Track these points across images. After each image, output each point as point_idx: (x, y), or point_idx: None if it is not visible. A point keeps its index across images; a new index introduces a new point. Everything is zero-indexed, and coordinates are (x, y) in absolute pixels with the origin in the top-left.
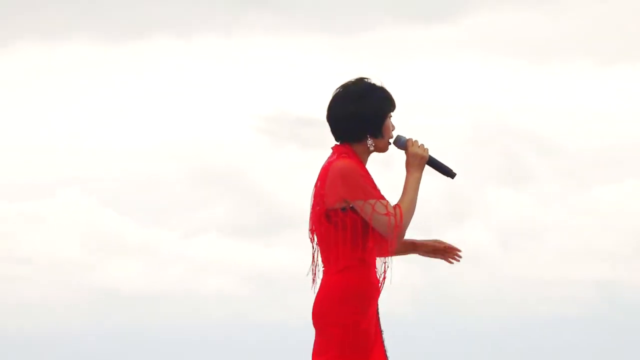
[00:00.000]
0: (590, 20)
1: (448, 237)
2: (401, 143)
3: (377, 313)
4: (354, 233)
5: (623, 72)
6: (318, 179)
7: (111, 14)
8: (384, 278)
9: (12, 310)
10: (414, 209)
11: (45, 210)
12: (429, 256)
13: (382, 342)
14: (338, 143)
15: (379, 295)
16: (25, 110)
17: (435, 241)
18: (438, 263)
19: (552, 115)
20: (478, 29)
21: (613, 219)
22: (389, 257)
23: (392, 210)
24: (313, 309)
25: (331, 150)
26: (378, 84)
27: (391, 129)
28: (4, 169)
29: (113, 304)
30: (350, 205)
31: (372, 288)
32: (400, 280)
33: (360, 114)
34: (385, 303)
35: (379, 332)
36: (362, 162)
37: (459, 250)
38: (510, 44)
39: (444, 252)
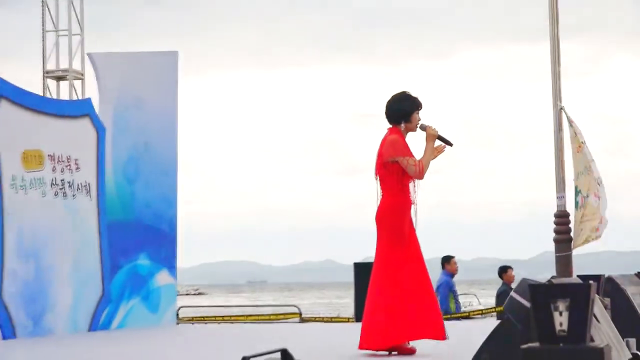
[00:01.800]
0: (524, 56)
1: (448, 177)
2: (423, 128)
3: (411, 219)
4: (398, 174)
5: (539, 88)
6: (380, 145)
7: (264, 52)
8: (416, 199)
9: (191, 218)
10: (429, 163)
11: (218, 173)
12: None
13: (415, 235)
14: (390, 125)
15: (410, 208)
16: (223, 116)
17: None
18: (443, 190)
19: (506, 112)
20: (463, 63)
21: (535, 165)
22: (418, 189)
23: (418, 164)
24: (376, 217)
25: (387, 130)
26: (413, 94)
27: (418, 119)
28: (214, 149)
29: (275, 213)
30: (396, 160)
31: (407, 205)
32: (422, 200)
33: (399, 109)
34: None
35: (413, 230)
36: (404, 137)
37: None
38: (482, 71)
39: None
